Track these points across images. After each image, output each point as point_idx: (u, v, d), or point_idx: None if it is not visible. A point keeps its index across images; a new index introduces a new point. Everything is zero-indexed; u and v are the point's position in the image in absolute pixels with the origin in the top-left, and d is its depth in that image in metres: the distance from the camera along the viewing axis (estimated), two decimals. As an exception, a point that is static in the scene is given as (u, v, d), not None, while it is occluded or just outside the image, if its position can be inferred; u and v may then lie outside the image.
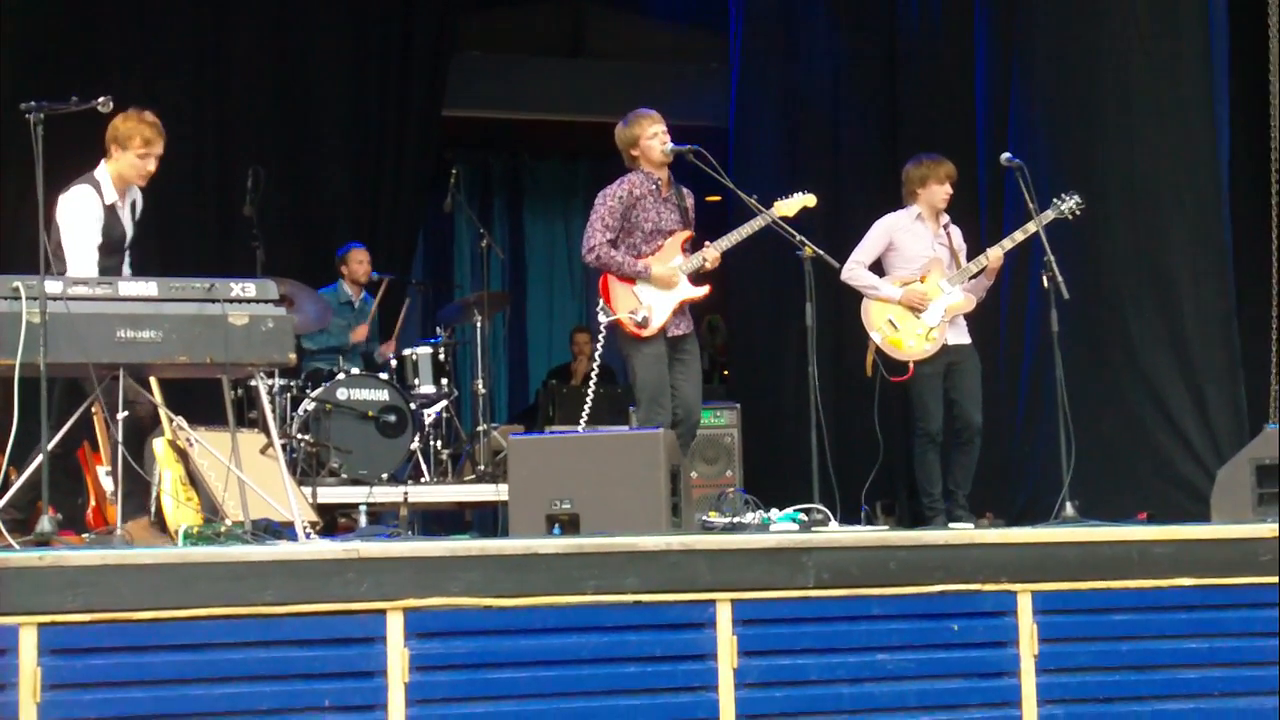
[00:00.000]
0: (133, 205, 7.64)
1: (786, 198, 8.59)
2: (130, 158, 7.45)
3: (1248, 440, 8.85)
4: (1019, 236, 9.07)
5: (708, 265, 8.46)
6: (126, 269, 7.66)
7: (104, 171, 7.49)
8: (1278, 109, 10.69)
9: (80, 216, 7.35)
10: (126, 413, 6.71)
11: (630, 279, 8.35)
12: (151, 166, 7.50)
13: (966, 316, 9.27)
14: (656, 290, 8.37)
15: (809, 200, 8.62)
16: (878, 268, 9.26)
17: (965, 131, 11.54)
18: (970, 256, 9.24)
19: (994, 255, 9.11)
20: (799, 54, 12.91)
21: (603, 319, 8.38)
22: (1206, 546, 6.44)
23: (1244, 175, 11.05)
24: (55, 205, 7.35)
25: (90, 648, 5.34)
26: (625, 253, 8.38)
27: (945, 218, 9.32)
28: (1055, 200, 9.16)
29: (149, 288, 6.56)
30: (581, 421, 8.58)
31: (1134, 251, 10.62)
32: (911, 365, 9.07)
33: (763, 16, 13.09)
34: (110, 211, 7.44)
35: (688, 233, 8.54)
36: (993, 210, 10.89)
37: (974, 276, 9.18)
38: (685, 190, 8.66)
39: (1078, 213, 9.19)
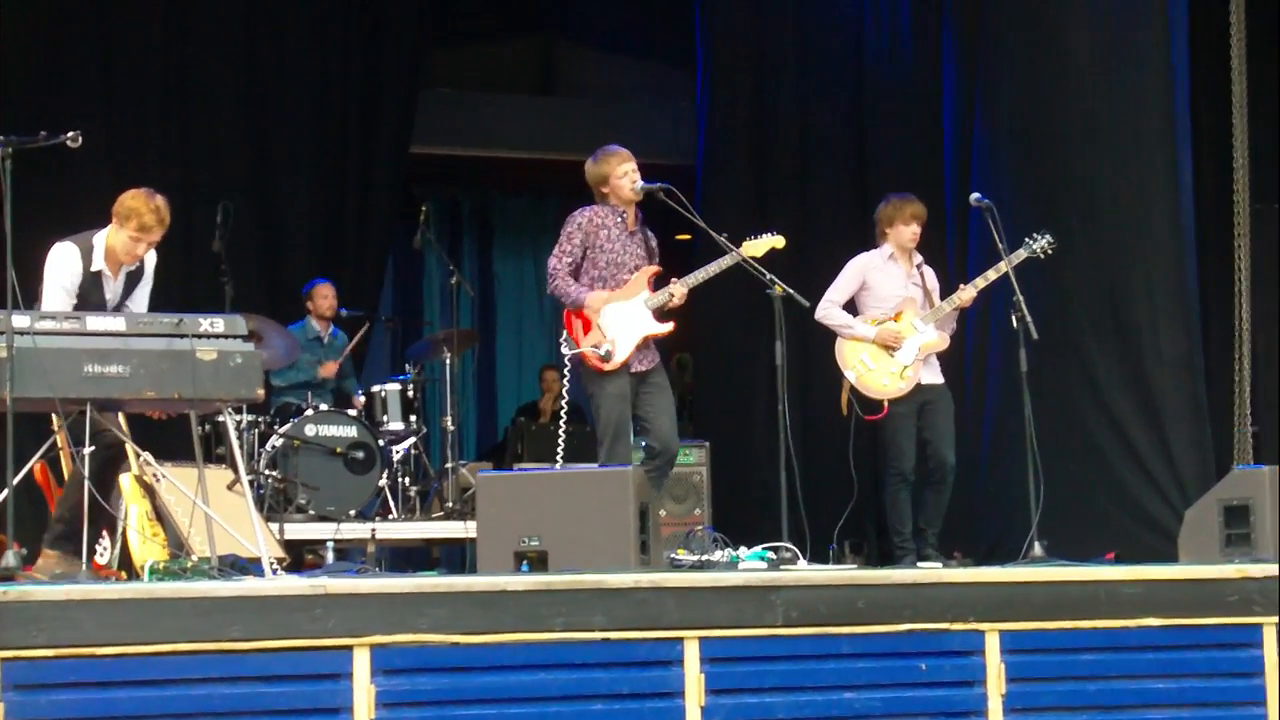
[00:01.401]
0: (131, 275, 7.53)
1: (755, 237, 8.60)
2: (123, 236, 7.35)
3: (1214, 480, 8.90)
4: (992, 275, 9.08)
5: (675, 301, 8.46)
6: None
7: (101, 237, 7.40)
8: (1242, 146, 10.76)
9: (55, 273, 7.28)
10: (93, 447, 6.67)
11: (581, 312, 8.35)
12: (141, 250, 7.38)
13: (939, 356, 9.28)
14: (620, 324, 8.36)
15: (777, 242, 8.63)
16: (851, 307, 9.28)
17: (934, 169, 11.60)
18: (944, 295, 9.25)
19: (967, 296, 9.11)
20: (766, 93, 12.97)
21: (566, 351, 8.38)
22: (1174, 587, 6.44)
23: (1210, 216, 11.12)
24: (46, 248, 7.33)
25: (54, 683, 5.30)
26: (588, 284, 8.39)
27: (919, 258, 9.34)
28: (1027, 240, 9.19)
29: (116, 323, 6.53)
30: (558, 459, 8.57)
31: (1097, 290, 10.68)
32: (886, 404, 9.08)
33: (730, 55, 13.16)
34: (94, 278, 7.35)
35: (654, 268, 8.54)
36: (960, 248, 10.94)
37: (949, 308, 9.18)
38: (649, 231, 8.67)
39: (1049, 252, 9.23)
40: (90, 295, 7.34)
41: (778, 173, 12.82)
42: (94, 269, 7.34)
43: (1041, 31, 10.98)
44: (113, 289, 7.45)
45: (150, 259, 7.55)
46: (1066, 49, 10.87)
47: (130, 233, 7.33)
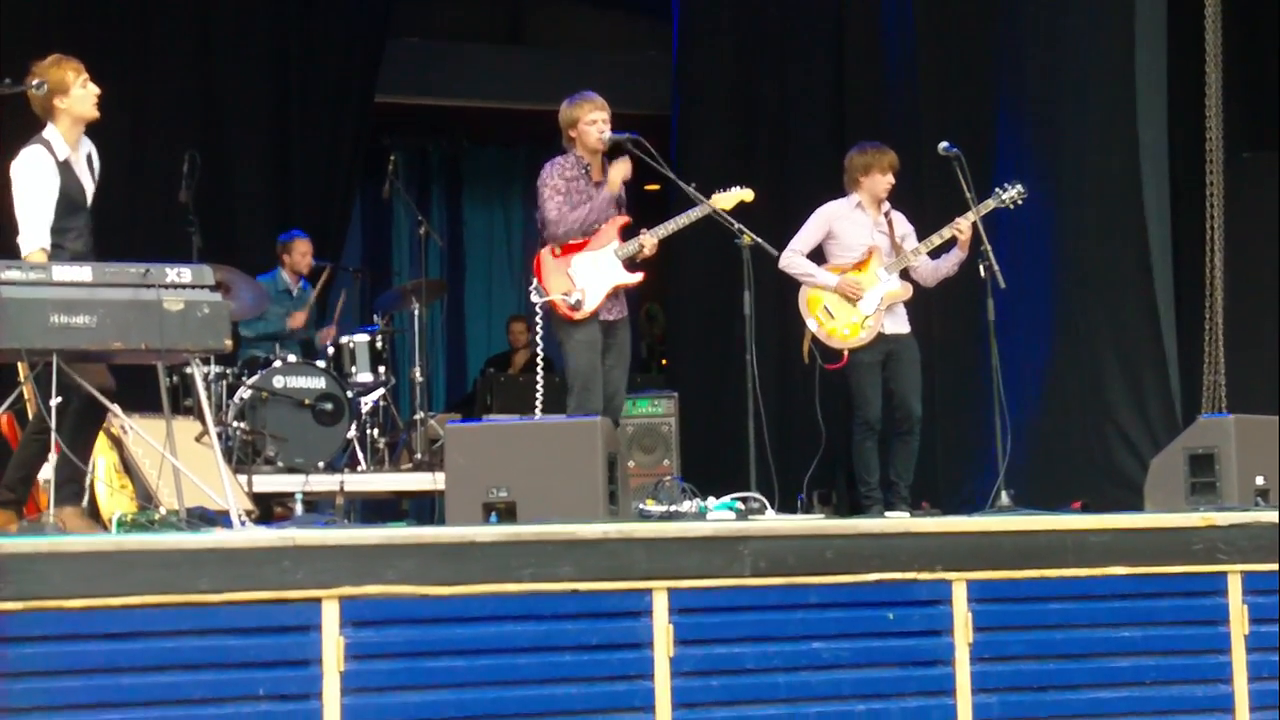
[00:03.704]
0: (89, 159, 7.41)
1: (725, 190, 8.59)
2: (77, 95, 7.21)
3: (1181, 430, 8.93)
4: (972, 216, 8.95)
5: (646, 252, 8.47)
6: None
7: (52, 130, 7.25)
8: (1215, 96, 10.78)
9: (35, 176, 7.10)
10: (61, 399, 6.64)
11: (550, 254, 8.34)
12: (95, 89, 7.26)
13: (907, 305, 9.27)
14: (590, 274, 8.36)
15: (746, 195, 8.62)
16: (819, 255, 9.26)
17: (913, 120, 11.60)
18: (921, 237, 9.20)
19: (964, 225, 9.03)
20: (744, 40, 12.90)
21: (536, 299, 8.38)
22: (1140, 535, 6.47)
23: (1190, 173, 11.15)
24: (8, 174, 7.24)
25: (22, 636, 5.29)
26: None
27: (886, 205, 9.31)
28: (997, 190, 9.17)
29: (83, 273, 6.50)
30: (536, 410, 8.56)
31: (1064, 239, 10.71)
32: (846, 353, 9.08)
33: (706, 3, 13.06)
34: (65, 168, 7.23)
35: (624, 218, 8.54)
36: (935, 199, 10.94)
37: (939, 251, 9.13)
38: (618, 181, 8.66)
39: (1019, 202, 9.21)
40: (71, 189, 7.22)
41: (756, 123, 12.77)
42: (62, 158, 7.23)
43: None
44: (84, 176, 7.33)
45: (94, 153, 7.46)
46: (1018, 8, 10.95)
47: (79, 87, 7.22)
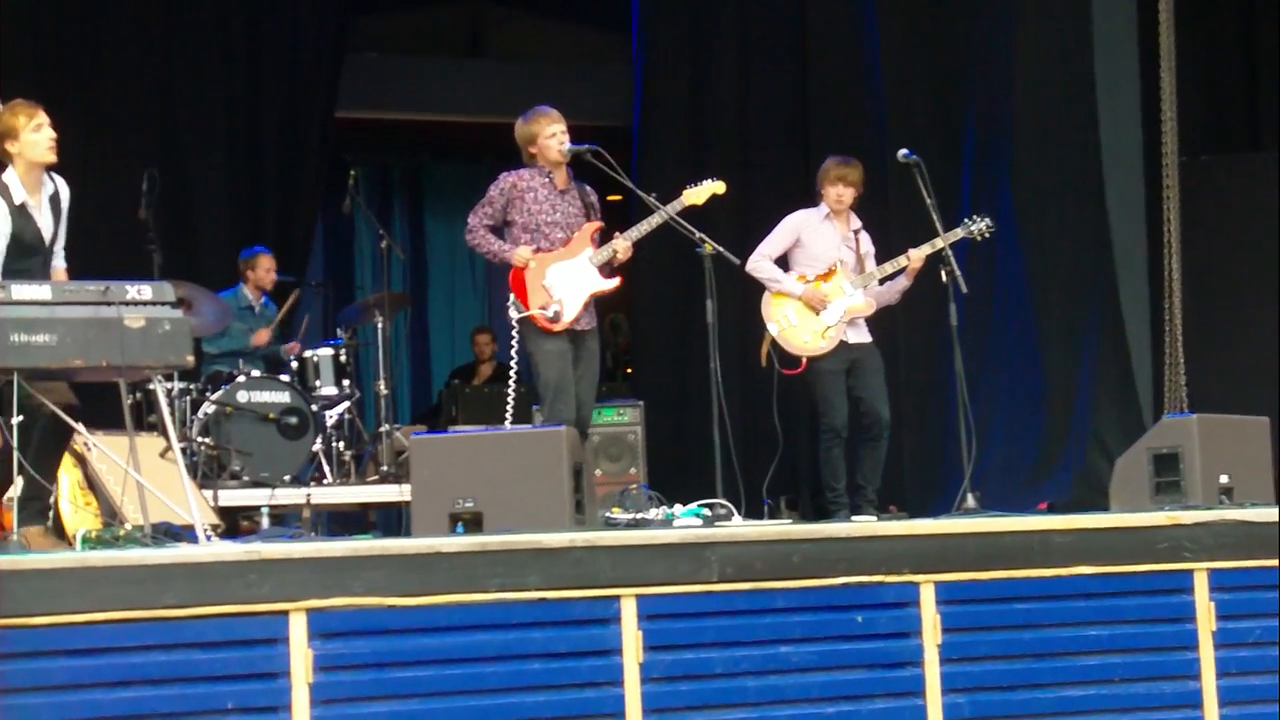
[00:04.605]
0: (53, 200, 7.35)
1: (696, 184, 8.62)
2: (27, 140, 7.17)
3: (1144, 430, 8.97)
4: (939, 243, 8.98)
5: (620, 256, 8.48)
6: (61, 264, 7.44)
7: (10, 174, 7.21)
8: (1170, 100, 10.85)
9: None
10: (21, 417, 6.61)
11: (508, 264, 8.35)
12: (51, 134, 7.21)
13: (867, 317, 9.29)
14: (567, 283, 8.37)
15: (718, 187, 8.65)
16: (784, 263, 9.27)
17: (878, 128, 11.63)
18: (880, 261, 9.25)
19: (915, 255, 9.08)
20: (705, 50, 12.90)
21: (514, 314, 8.38)
22: (1106, 535, 6.50)
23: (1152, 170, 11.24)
24: None
25: (-13, 654, 5.27)
26: (530, 244, 8.39)
27: (857, 222, 9.33)
28: (965, 221, 9.19)
29: (42, 291, 6.46)
30: (506, 421, 8.56)
31: (1024, 243, 10.77)
32: (805, 360, 9.09)
33: (667, 15, 13.06)
34: (20, 211, 7.19)
35: (597, 224, 8.56)
36: (899, 209, 10.97)
37: (890, 277, 9.18)
38: (588, 187, 8.67)
39: (986, 235, 9.24)
40: (25, 233, 7.18)
41: (718, 132, 12.76)
42: (18, 202, 7.18)
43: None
44: (44, 220, 7.26)
45: (64, 192, 7.43)
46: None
47: (30, 132, 7.16)
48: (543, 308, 8.31)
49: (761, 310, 9.20)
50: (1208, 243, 11.35)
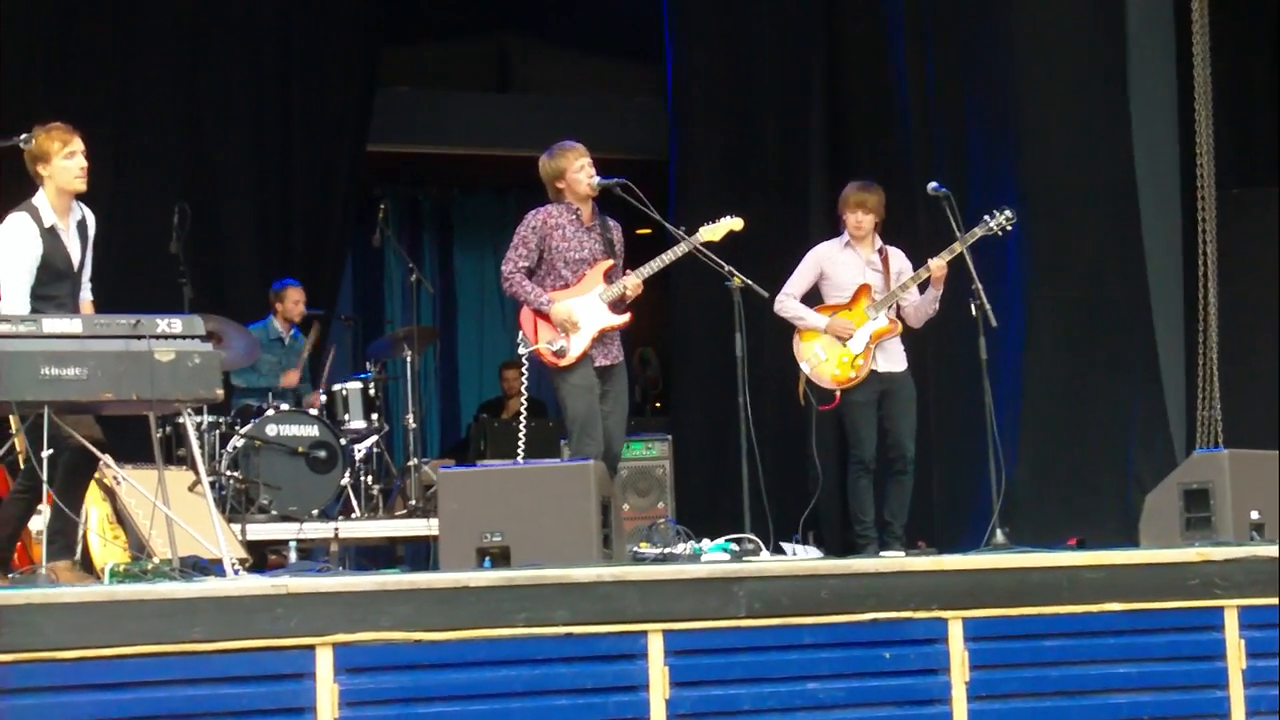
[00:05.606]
0: (81, 226, 7.36)
1: (712, 222, 8.59)
2: (58, 166, 7.18)
3: (1177, 465, 8.93)
4: (957, 248, 8.92)
5: (629, 293, 8.44)
6: (88, 296, 7.45)
7: (41, 197, 7.22)
8: (1206, 130, 10.82)
9: (14, 243, 7.09)
10: (52, 450, 6.62)
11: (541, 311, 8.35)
12: (82, 163, 7.22)
13: (904, 342, 9.24)
14: (576, 317, 8.35)
15: (735, 224, 8.60)
16: (816, 296, 9.26)
17: (906, 157, 11.62)
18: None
19: (936, 265, 9.02)
20: (740, 85, 12.89)
21: (522, 350, 8.37)
22: (1135, 571, 6.47)
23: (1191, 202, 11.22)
24: None
25: (15, 688, 5.28)
26: (551, 282, 8.39)
27: (878, 241, 9.30)
28: (985, 217, 9.12)
29: (73, 324, 6.50)
30: (519, 454, 8.55)
31: (1056, 275, 10.73)
32: (839, 393, 9.07)
33: (703, 49, 13.04)
34: (51, 235, 7.20)
35: (610, 262, 8.52)
36: (929, 238, 10.95)
37: (912, 286, 9.12)
38: (613, 222, 8.65)
39: (1009, 228, 9.14)
40: (55, 257, 7.18)
41: (755, 166, 12.74)
42: (48, 225, 7.20)
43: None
44: (72, 244, 7.28)
45: (91, 220, 7.45)
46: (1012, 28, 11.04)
47: (61, 157, 7.18)
48: (549, 343, 8.31)
49: (794, 349, 9.18)
50: (1238, 276, 11.29)
